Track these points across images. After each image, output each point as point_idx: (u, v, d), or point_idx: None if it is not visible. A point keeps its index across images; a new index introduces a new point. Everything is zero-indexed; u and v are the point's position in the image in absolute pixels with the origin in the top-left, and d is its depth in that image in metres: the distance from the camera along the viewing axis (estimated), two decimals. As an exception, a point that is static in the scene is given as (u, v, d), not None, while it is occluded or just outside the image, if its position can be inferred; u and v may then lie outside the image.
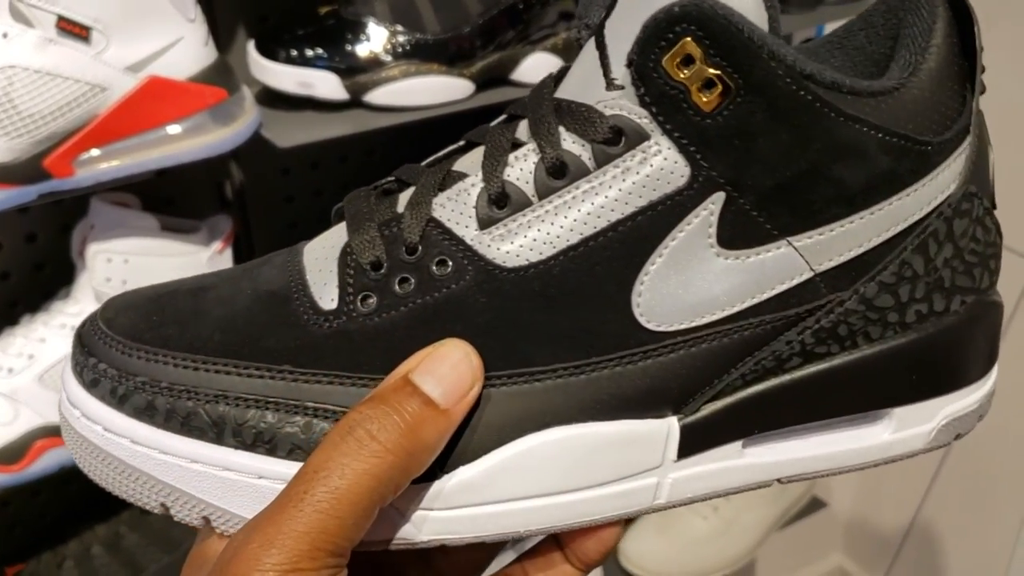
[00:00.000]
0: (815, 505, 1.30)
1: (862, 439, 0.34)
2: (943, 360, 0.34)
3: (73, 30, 0.63)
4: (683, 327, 0.31)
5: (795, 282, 0.31)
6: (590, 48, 0.31)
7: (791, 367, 0.32)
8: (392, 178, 0.35)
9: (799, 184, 0.30)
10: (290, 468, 0.30)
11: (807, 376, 0.32)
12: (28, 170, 0.65)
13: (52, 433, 0.73)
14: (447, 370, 0.29)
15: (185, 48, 0.68)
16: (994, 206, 0.34)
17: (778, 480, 0.34)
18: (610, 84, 0.30)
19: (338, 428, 0.29)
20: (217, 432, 0.30)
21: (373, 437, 0.28)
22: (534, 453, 0.30)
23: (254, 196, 0.89)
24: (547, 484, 0.31)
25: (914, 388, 0.33)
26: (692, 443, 0.32)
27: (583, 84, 0.31)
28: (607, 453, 0.31)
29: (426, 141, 0.95)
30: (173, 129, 0.68)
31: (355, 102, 0.74)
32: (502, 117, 0.34)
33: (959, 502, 1.53)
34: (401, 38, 0.73)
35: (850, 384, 0.33)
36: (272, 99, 0.75)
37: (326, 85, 0.73)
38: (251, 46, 0.75)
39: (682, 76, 0.29)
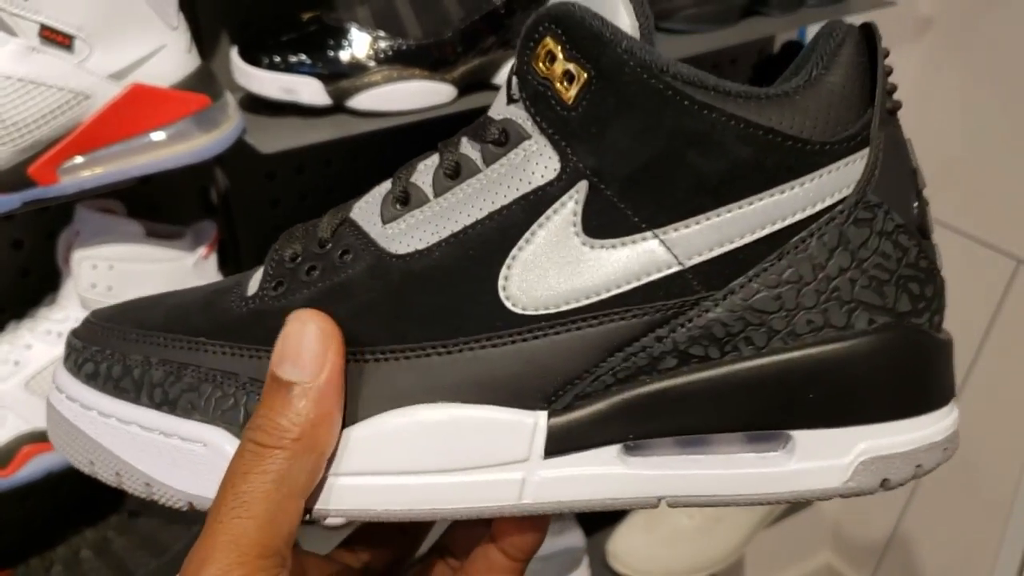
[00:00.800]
0: (801, 503, 1.31)
1: (763, 464, 0.32)
2: (850, 384, 0.32)
3: (56, 38, 0.64)
4: (547, 312, 0.31)
5: (662, 274, 0.31)
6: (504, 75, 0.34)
7: (666, 368, 0.32)
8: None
9: (656, 171, 0.31)
10: (182, 425, 0.33)
11: (686, 381, 0.32)
12: (12, 178, 0.65)
13: (39, 439, 0.73)
14: (298, 347, 0.30)
15: (168, 55, 0.68)
16: (923, 234, 0.33)
17: (664, 501, 0.33)
18: (510, 99, 0.33)
19: (237, 448, 0.31)
20: (137, 393, 0.33)
21: (257, 442, 0.30)
22: (400, 428, 0.31)
23: (239, 201, 0.90)
24: (408, 461, 0.32)
25: (814, 410, 0.32)
26: (561, 440, 0.32)
27: (495, 105, 0.34)
28: (469, 437, 0.31)
29: (409, 145, 0.95)
30: (157, 136, 0.69)
31: (338, 107, 0.74)
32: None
33: (946, 500, 1.54)
34: (383, 44, 0.74)
35: (735, 394, 0.32)
36: (256, 105, 0.76)
37: (309, 90, 0.73)
38: (234, 52, 0.75)
39: (546, 72, 0.31)
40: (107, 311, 0.37)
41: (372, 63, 0.74)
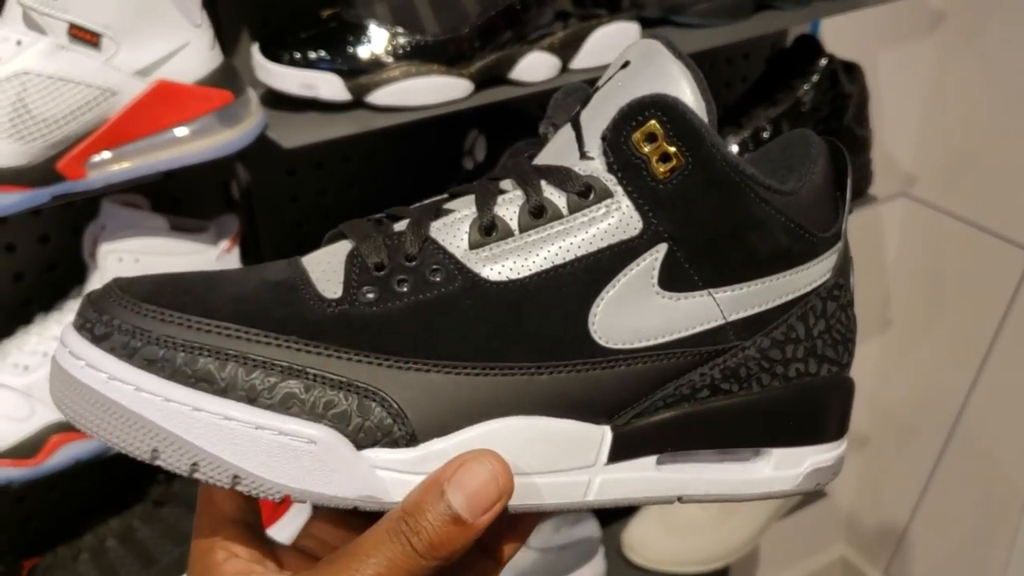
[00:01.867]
0: (816, 495, 1.32)
1: (748, 472, 0.41)
2: (811, 414, 0.42)
3: (84, 37, 0.65)
4: (625, 347, 0.38)
5: (711, 325, 0.39)
6: (564, 132, 0.40)
7: (701, 397, 0.40)
8: (383, 214, 0.41)
9: (721, 244, 0.38)
10: (285, 422, 0.34)
11: (713, 408, 0.40)
12: (42, 173, 0.67)
13: (68, 428, 0.75)
14: (475, 485, 0.34)
15: (192, 52, 0.70)
16: (851, 303, 0.43)
17: (679, 498, 0.40)
18: (583, 155, 0.39)
19: (387, 521, 0.34)
20: (223, 387, 0.34)
21: (412, 545, 0.33)
22: (494, 434, 0.36)
23: (260, 196, 0.91)
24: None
25: (790, 433, 0.42)
26: (620, 450, 0.39)
27: (558, 155, 0.40)
28: (551, 444, 0.37)
29: (427, 139, 0.96)
30: (181, 131, 0.70)
31: (357, 103, 0.76)
32: (484, 178, 0.41)
33: (960, 491, 1.54)
34: (401, 40, 0.75)
35: (744, 420, 0.41)
36: (276, 101, 0.77)
37: (329, 86, 0.75)
38: (255, 49, 0.76)
39: (645, 150, 0.37)
40: (140, 287, 0.36)
41: (390, 59, 0.75)
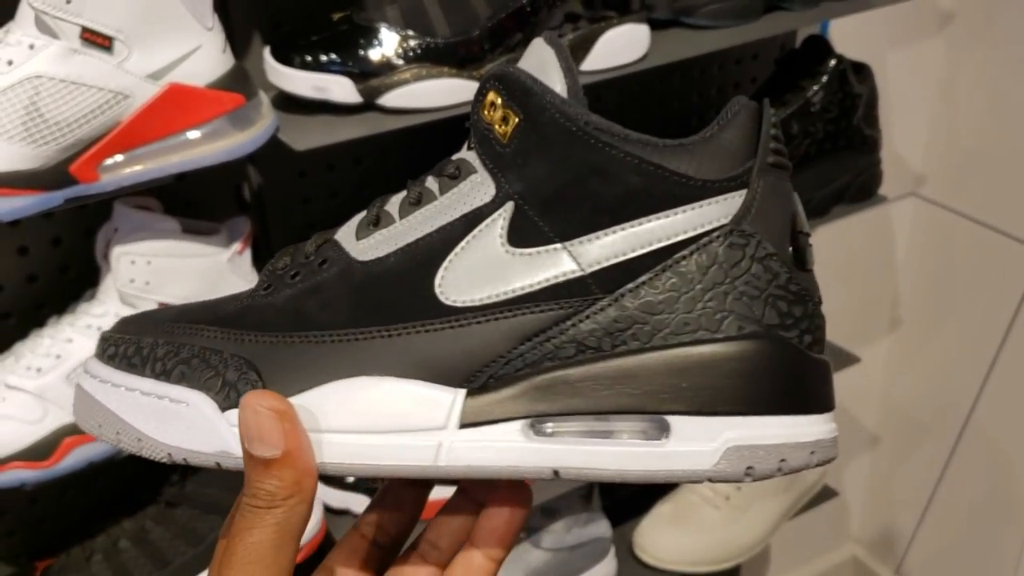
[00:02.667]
0: (826, 494, 1.32)
1: (644, 445, 0.37)
2: (717, 378, 0.37)
3: (97, 40, 0.66)
4: (473, 304, 0.38)
5: (567, 278, 0.38)
6: None
7: (565, 356, 0.38)
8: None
9: (567, 194, 0.38)
10: (170, 390, 0.39)
11: (583, 368, 0.38)
12: (55, 176, 0.67)
13: (80, 430, 0.75)
14: (259, 428, 0.36)
15: (204, 55, 0.70)
16: (801, 266, 0.39)
17: (555, 472, 0.38)
18: (468, 146, 0.41)
19: (235, 508, 0.38)
20: (143, 367, 0.40)
21: (255, 506, 0.36)
22: (329, 393, 0.38)
23: (271, 198, 0.91)
24: (349, 422, 0.38)
25: (687, 399, 0.37)
26: (475, 414, 0.38)
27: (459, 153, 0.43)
28: (397, 404, 0.38)
29: (438, 141, 0.97)
30: (193, 134, 0.71)
31: (368, 105, 0.76)
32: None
33: (971, 490, 1.54)
34: (412, 42, 0.75)
35: (621, 381, 0.38)
36: (288, 103, 0.77)
37: (340, 89, 0.75)
38: (267, 52, 0.77)
39: (489, 118, 0.40)
40: (136, 315, 0.44)
41: (401, 61, 0.75)
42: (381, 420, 0.38)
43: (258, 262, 0.84)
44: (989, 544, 1.52)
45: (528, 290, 0.38)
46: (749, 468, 0.37)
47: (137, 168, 0.70)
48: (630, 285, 0.38)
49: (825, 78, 1.01)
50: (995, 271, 1.40)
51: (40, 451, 0.74)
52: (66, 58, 0.65)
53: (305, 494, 0.36)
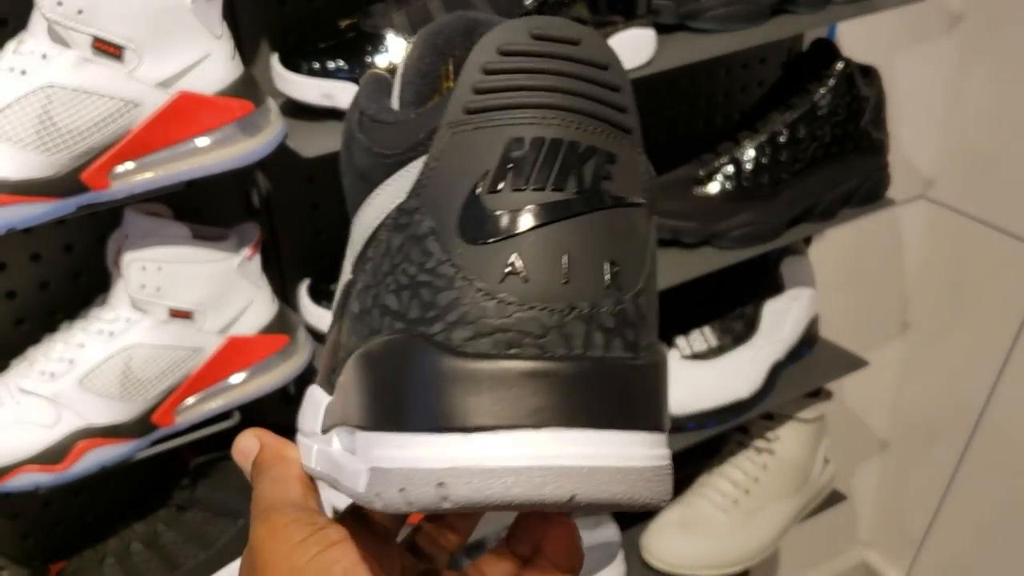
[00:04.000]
0: (835, 498, 1.31)
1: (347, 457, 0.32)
2: (360, 387, 0.31)
3: (107, 49, 0.67)
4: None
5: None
6: None
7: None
8: None
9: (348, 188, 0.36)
10: None
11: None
12: (67, 184, 0.68)
13: (93, 434, 0.76)
14: (240, 448, 0.40)
15: (213, 63, 0.71)
16: (472, 238, 0.29)
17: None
18: None
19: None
20: None
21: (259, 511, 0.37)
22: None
23: (280, 204, 0.92)
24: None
25: (353, 408, 0.31)
26: (326, 419, 0.36)
27: None
28: (310, 408, 0.38)
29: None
30: (202, 141, 0.72)
31: (376, 111, 0.76)
32: None
33: (982, 494, 1.53)
34: (419, 49, 0.76)
35: (341, 396, 0.34)
36: (296, 110, 0.78)
37: (347, 95, 0.75)
38: (275, 59, 0.77)
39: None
40: None
41: (408, 68, 0.76)
42: (303, 421, 0.39)
43: (267, 267, 0.85)
44: (1000, 549, 1.52)
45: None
46: (401, 489, 0.28)
47: (148, 175, 0.71)
48: (360, 270, 0.33)
49: (832, 81, 1.01)
50: (1005, 274, 1.39)
51: (53, 455, 0.75)
52: (78, 67, 0.66)
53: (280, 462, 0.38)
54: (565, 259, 0.28)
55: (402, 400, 0.29)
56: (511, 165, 0.29)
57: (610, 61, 0.30)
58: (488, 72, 0.29)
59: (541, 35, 0.29)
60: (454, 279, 0.29)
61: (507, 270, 0.28)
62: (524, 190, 0.29)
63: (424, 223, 0.30)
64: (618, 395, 0.28)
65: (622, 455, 0.28)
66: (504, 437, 0.27)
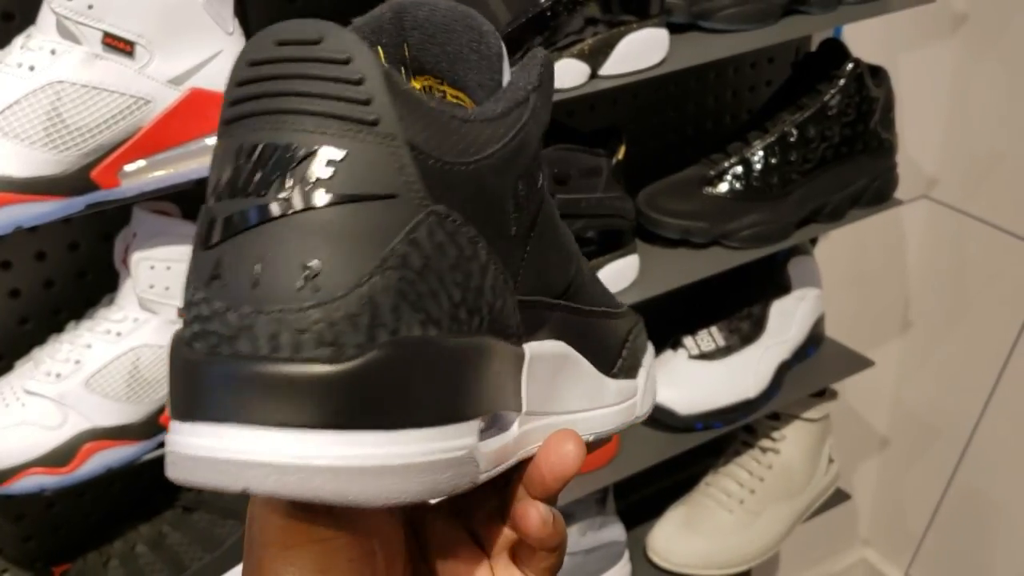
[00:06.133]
0: (839, 497, 1.31)
1: None
2: None
3: (118, 45, 0.65)
4: None
5: None
6: None
7: None
8: None
9: None
10: None
11: None
12: (76, 181, 0.67)
13: (99, 436, 0.75)
14: None
15: (224, 60, 0.70)
16: (204, 244, 0.31)
17: None
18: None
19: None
20: None
21: None
22: None
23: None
24: None
25: None
26: None
27: None
28: None
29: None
30: (213, 140, 0.70)
31: (388, 110, 0.76)
32: None
33: (981, 493, 1.54)
34: (432, 47, 0.75)
35: None
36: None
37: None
38: (286, 57, 0.76)
39: None
40: None
41: (421, 66, 0.75)
42: None
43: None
44: (999, 547, 1.52)
45: None
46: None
47: (158, 173, 0.70)
48: None
49: (842, 81, 1.00)
50: (1007, 274, 1.39)
51: (60, 457, 0.74)
52: (88, 63, 0.65)
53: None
54: (259, 266, 0.29)
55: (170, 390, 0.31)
56: (230, 174, 0.30)
57: (353, 54, 0.30)
58: (239, 84, 0.30)
59: (283, 40, 0.30)
60: (188, 283, 0.31)
61: (212, 274, 0.30)
62: (235, 197, 0.30)
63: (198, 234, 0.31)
64: (337, 399, 0.29)
65: (281, 452, 0.28)
66: (197, 427, 0.29)
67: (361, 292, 0.29)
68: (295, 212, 0.29)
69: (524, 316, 0.36)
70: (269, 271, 0.29)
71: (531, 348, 0.37)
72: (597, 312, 0.43)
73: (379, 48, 0.36)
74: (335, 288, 0.29)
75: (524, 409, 0.36)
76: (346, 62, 0.30)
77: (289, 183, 0.29)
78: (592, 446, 0.41)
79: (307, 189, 0.29)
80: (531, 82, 0.36)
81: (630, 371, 0.46)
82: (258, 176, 0.29)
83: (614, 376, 0.44)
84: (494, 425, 0.36)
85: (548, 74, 0.37)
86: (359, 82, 0.29)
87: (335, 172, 0.29)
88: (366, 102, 0.29)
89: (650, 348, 0.49)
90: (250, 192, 0.29)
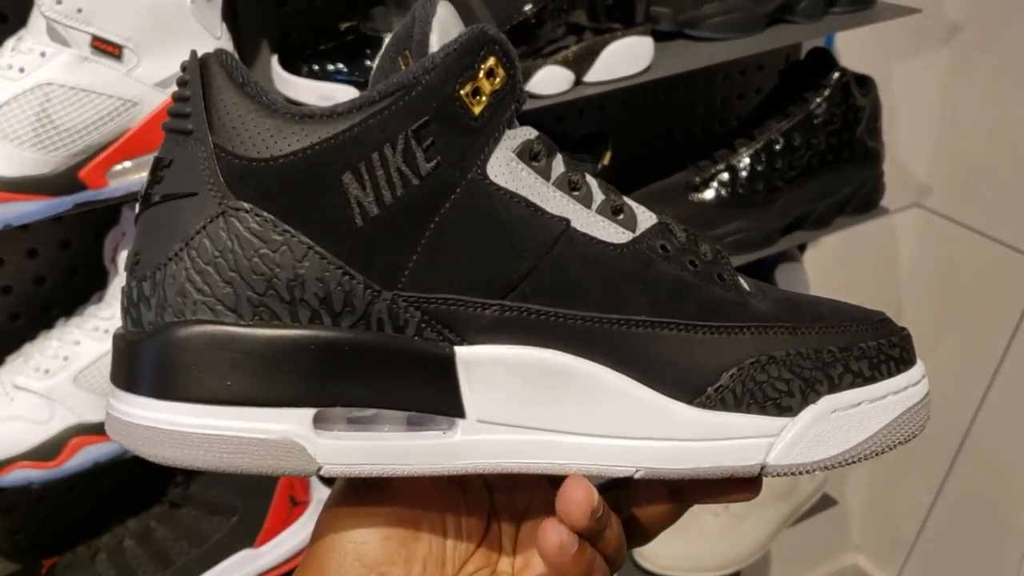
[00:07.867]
0: (826, 502, 1.32)
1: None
2: None
3: (106, 49, 0.67)
4: None
5: None
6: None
7: None
8: None
9: None
10: None
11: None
12: (64, 181, 0.68)
13: (87, 431, 0.76)
14: None
15: (212, 65, 0.71)
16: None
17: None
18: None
19: None
20: None
21: None
22: None
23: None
24: None
25: None
26: None
27: None
28: None
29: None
30: (201, 142, 0.72)
31: (374, 114, 0.77)
32: None
33: (972, 499, 1.54)
34: (417, 53, 0.76)
35: None
36: (294, 111, 0.78)
37: (346, 98, 0.76)
38: (275, 61, 0.78)
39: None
40: None
41: (407, 71, 0.76)
42: None
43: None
44: (990, 553, 1.53)
45: None
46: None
47: (145, 174, 0.71)
48: None
49: (828, 90, 1.01)
50: (998, 283, 1.40)
51: (47, 451, 0.75)
52: (76, 66, 0.66)
53: None
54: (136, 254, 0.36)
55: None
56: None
57: (189, 74, 0.35)
58: (181, 100, 0.36)
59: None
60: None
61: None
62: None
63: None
64: (126, 363, 0.35)
65: (122, 411, 0.34)
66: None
67: (156, 277, 0.34)
68: (146, 209, 0.35)
69: (462, 317, 0.35)
70: (127, 259, 0.36)
71: (477, 352, 0.35)
72: (664, 323, 0.37)
73: (402, 55, 0.38)
74: (142, 273, 0.34)
75: (475, 416, 0.35)
76: (184, 84, 0.35)
77: (151, 188, 0.35)
78: (698, 491, 0.40)
79: (152, 191, 0.35)
80: (403, 80, 0.35)
81: (760, 405, 0.39)
82: (147, 180, 0.36)
83: (701, 405, 0.38)
84: (421, 424, 0.36)
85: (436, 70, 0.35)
86: (186, 99, 0.35)
87: (164, 176, 0.35)
88: (187, 115, 0.35)
89: (871, 388, 0.41)
90: (142, 194, 0.36)
